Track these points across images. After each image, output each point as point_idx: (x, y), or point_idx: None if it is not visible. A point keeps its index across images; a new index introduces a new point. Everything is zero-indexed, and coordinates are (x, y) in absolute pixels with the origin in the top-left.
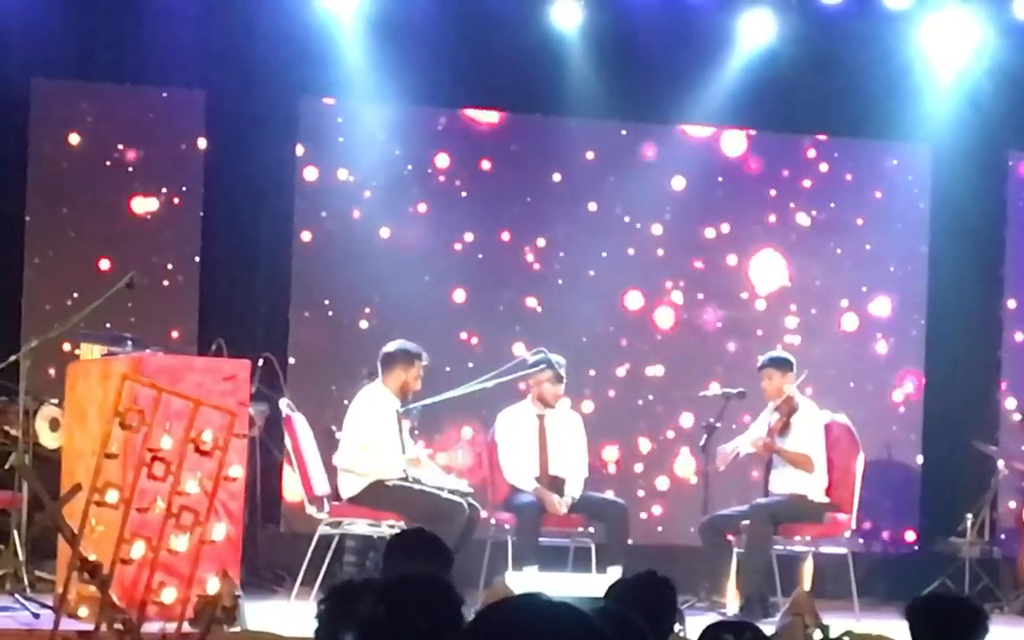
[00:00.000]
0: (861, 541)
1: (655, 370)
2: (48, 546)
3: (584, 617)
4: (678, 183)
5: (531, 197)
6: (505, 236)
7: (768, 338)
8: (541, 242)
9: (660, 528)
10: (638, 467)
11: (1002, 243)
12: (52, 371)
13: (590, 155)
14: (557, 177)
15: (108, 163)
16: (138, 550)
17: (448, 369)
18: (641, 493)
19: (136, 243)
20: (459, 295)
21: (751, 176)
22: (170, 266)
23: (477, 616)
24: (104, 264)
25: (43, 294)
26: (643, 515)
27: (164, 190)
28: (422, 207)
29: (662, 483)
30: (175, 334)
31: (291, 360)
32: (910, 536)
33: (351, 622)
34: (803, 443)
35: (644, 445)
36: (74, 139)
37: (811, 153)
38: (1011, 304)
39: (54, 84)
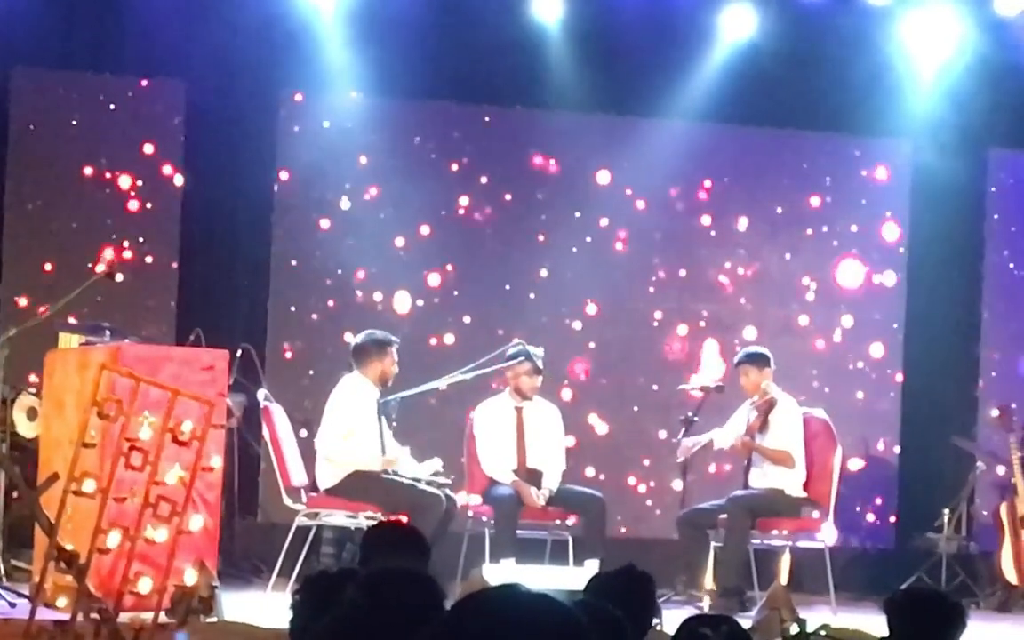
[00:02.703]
0: (838, 536)
1: (631, 363)
2: (25, 535)
3: (562, 607)
4: (660, 179)
5: (511, 189)
6: (487, 228)
7: (744, 332)
8: (522, 231)
9: (638, 521)
10: (618, 458)
11: (982, 238)
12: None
13: (572, 148)
14: (537, 169)
15: (88, 152)
16: (115, 540)
17: (428, 361)
18: (619, 485)
19: (115, 233)
20: (440, 285)
21: (731, 170)
22: (149, 256)
23: (455, 605)
24: (83, 253)
25: (20, 283)
26: (621, 508)
27: (143, 180)
28: (402, 198)
29: (640, 476)
30: (153, 324)
31: (269, 351)
32: (887, 531)
33: (326, 612)
34: (782, 439)
35: (623, 436)
36: (54, 128)
37: (790, 148)
38: (989, 299)
39: (34, 73)
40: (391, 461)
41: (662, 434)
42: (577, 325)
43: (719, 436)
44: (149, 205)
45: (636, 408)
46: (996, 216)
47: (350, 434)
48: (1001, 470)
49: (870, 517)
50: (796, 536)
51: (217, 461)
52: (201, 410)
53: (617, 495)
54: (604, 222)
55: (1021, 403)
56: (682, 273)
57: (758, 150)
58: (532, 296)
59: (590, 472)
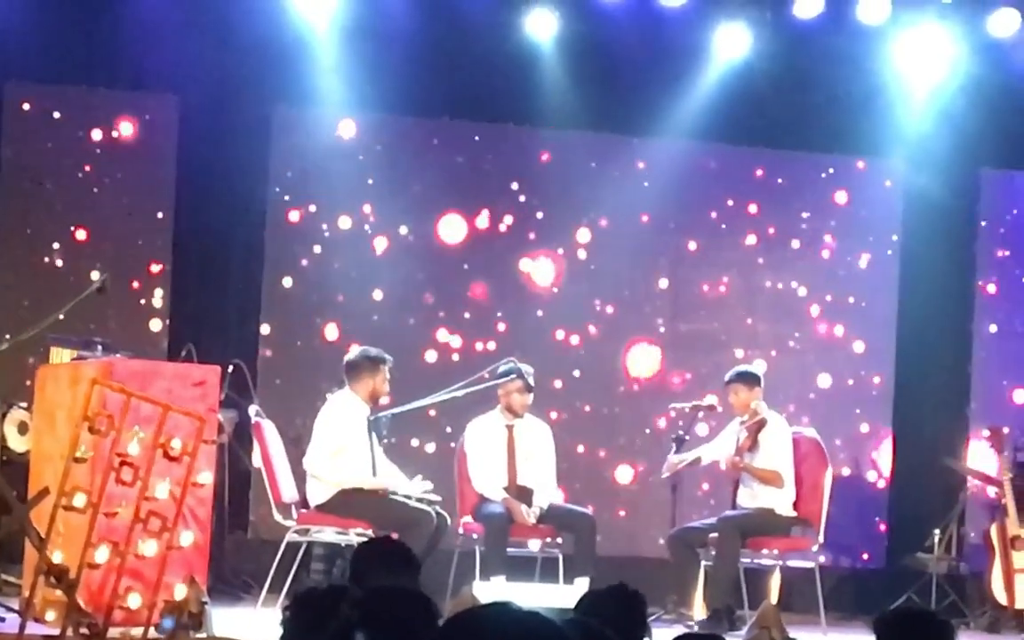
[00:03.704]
0: (829, 555)
1: (625, 380)
2: (15, 550)
3: (552, 625)
4: (652, 196)
5: (503, 206)
6: (480, 245)
7: (737, 351)
8: (514, 249)
9: (628, 539)
10: (607, 478)
11: (973, 259)
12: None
13: (565, 165)
14: (530, 187)
15: (80, 167)
16: (105, 555)
17: (417, 379)
18: (610, 504)
19: (108, 248)
20: (430, 303)
21: (725, 189)
22: (141, 271)
23: (446, 623)
24: (75, 268)
25: (12, 297)
26: (610, 526)
27: (136, 195)
28: (393, 215)
29: (630, 493)
30: (145, 339)
31: (260, 367)
32: (878, 551)
33: (316, 629)
34: (772, 459)
35: (615, 454)
36: (46, 142)
37: (783, 168)
38: (979, 320)
39: (26, 87)
40: (383, 489)
41: (655, 452)
42: (572, 343)
43: (707, 452)
44: (142, 220)
45: (630, 424)
46: (987, 237)
47: (340, 451)
48: (992, 491)
49: (860, 537)
50: (786, 555)
51: (208, 477)
52: (192, 426)
53: (608, 513)
54: (598, 241)
55: (1012, 424)
56: (678, 292)
57: (751, 169)
58: (525, 314)
59: (581, 490)
